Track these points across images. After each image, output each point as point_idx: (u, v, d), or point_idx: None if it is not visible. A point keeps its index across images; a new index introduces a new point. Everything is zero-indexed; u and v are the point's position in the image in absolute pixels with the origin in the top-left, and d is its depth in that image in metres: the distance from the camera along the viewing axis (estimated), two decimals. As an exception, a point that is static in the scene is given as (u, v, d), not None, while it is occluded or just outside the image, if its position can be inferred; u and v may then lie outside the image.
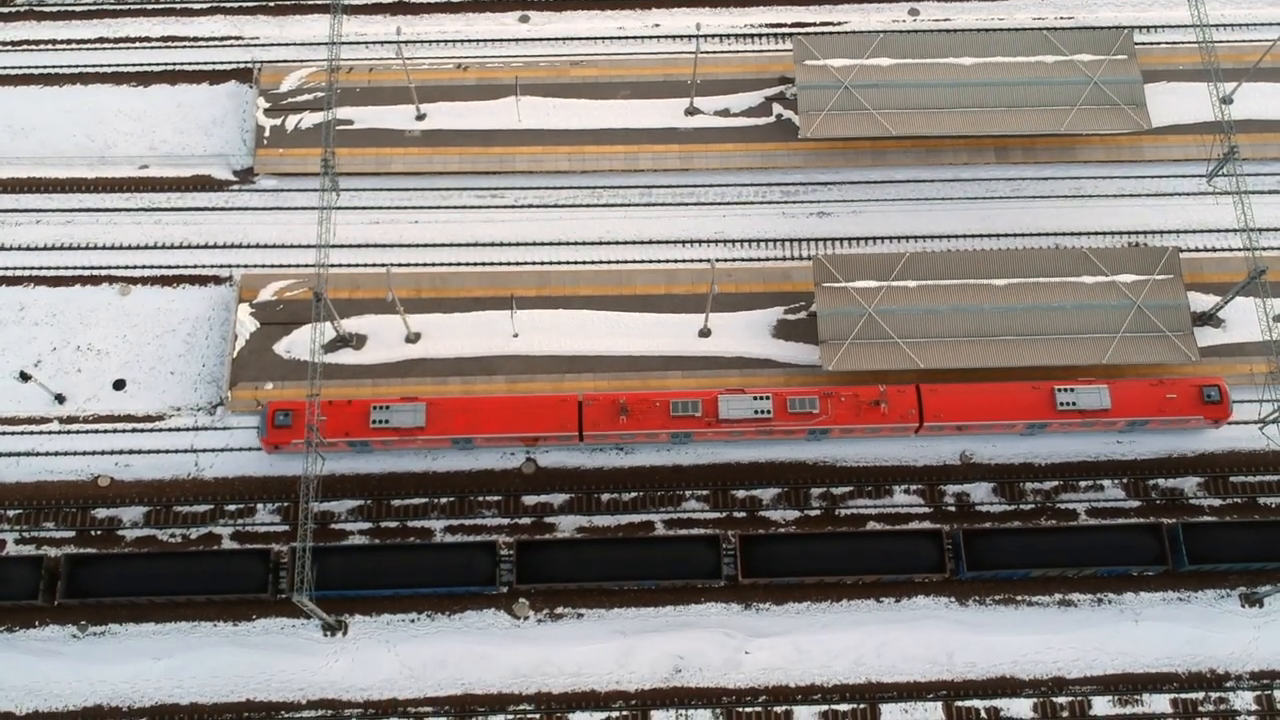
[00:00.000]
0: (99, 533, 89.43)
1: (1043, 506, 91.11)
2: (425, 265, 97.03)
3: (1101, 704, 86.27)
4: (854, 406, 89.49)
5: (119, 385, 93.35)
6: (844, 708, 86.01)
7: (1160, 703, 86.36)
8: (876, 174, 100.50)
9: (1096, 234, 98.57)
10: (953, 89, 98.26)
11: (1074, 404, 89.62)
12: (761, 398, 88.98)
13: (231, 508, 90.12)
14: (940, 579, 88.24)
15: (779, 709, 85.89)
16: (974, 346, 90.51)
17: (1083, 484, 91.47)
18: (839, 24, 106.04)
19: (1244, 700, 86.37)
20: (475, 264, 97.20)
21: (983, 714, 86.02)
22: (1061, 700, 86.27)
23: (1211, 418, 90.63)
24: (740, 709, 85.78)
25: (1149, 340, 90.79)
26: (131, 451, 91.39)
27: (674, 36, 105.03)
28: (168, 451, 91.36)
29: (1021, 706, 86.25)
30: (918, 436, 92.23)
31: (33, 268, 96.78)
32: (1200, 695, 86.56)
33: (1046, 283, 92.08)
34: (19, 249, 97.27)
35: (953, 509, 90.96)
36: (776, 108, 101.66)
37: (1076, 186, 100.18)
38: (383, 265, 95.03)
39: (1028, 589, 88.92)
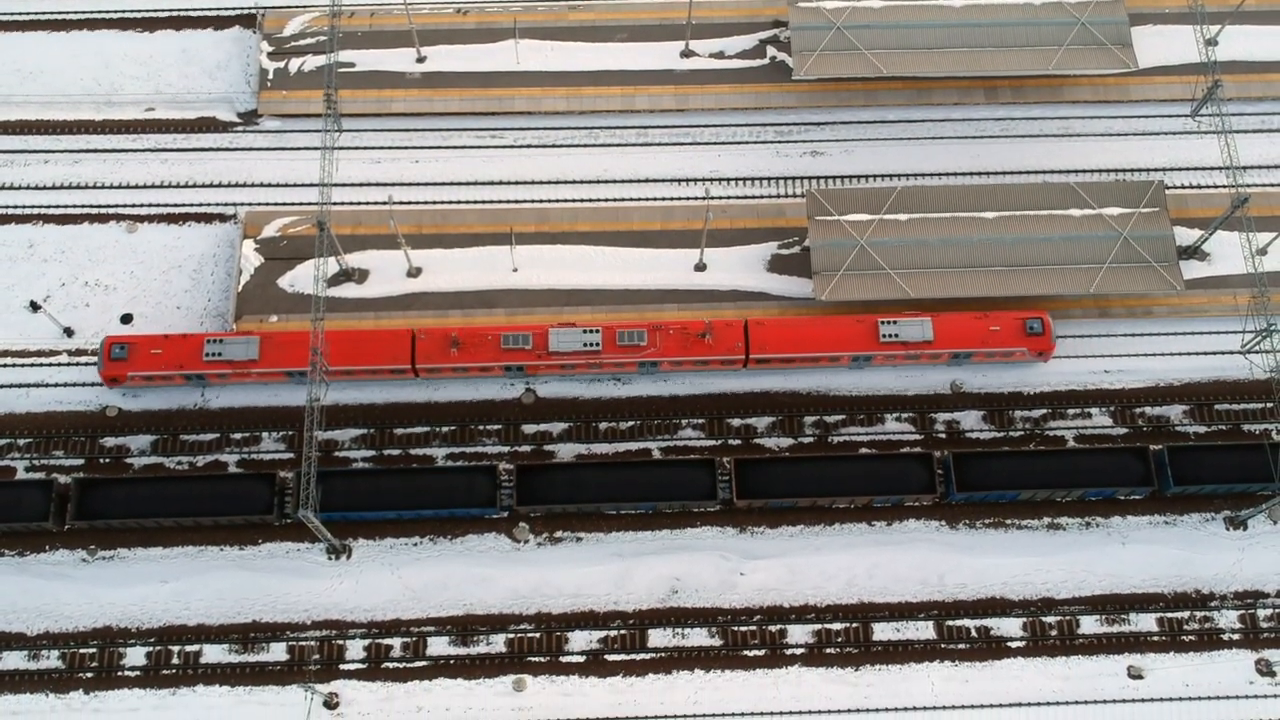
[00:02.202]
0: (107, 461, 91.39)
1: (1031, 434, 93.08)
2: (426, 203, 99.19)
3: (1089, 623, 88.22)
4: (682, 339, 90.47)
5: (126, 319, 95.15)
6: (837, 626, 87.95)
7: (1147, 622, 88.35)
8: (868, 114, 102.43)
9: (1084, 171, 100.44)
10: (943, 29, 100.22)
11: (897, 336, 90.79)
12: (590, 330, 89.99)
13: (237, 436, 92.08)
14: (931, 501, 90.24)
15: (773, 628, 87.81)
16: (963, 276, 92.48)
17: (1070, 412, 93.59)
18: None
19: (1228, 619, 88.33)
20: (475, 202, 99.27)
21: (973, 633, 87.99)
22: (1050, 620, 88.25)
23: (1035, 350, 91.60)
24: (735, 628, 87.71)
25: (1135, 270, 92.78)
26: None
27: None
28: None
29: (1011, 626, 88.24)
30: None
31: (41, 206, 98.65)
32: (1185, 615, 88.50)
33: (1035, 215, 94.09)
34: (28, 188, 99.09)
35: (943, 436, 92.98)
36: (770, 50, 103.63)
37: (1064, 126, 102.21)
38: (385, 201, 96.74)
39: (1017, 513, 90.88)
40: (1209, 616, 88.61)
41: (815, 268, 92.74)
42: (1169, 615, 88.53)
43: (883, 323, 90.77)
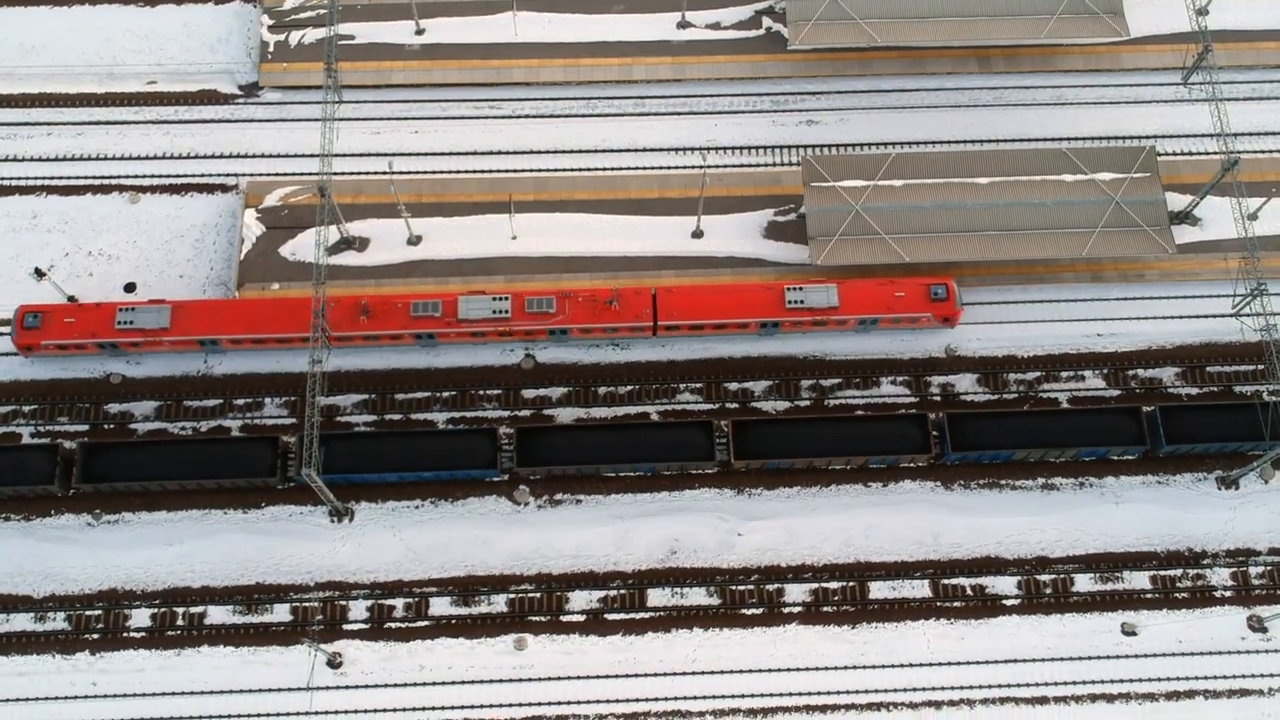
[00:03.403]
0: (111, 426, 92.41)
1: (1025, 396, 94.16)
2: (426, 173, 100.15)
3: (1084, 581, 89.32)
4: (590, 307, 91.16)
5: (129, 288, 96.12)
6: (834, 585, 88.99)
7: (1140, 580, 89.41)
8: (863, 83, 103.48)
9: (1076, 139, 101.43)
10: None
11: (802, 302, 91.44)
12: (500, 298, 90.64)
13: (240, 402, 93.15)
14: (926, 462, 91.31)
15: (771, 587, 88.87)
16: (957, 240, 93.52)
17: (1064, 374, 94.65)
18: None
19: (1220, 577, 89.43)
20: (475, 171, 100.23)
21: (968, 591, 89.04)
22: (1045, 578, 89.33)
23: (941, 315, 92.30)
24: (734, 587, 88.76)
25: (1127, 234, 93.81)
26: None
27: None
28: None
29: (1006, 584, 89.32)
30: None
31: (45, 177, 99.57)
32: (1178, 572, 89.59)
33: (1028, 180, 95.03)
34: (31, 160, 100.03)
35: (938, 399, 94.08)
36: (766, 20, 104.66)
37: (1057, 94, 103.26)
38: (385, 170, 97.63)
39: (1011, 473, 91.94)
40: (1201, 574, 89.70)
41: (811, 233, 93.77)
42: (1162, 573, 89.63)
43: (789, 289, 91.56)
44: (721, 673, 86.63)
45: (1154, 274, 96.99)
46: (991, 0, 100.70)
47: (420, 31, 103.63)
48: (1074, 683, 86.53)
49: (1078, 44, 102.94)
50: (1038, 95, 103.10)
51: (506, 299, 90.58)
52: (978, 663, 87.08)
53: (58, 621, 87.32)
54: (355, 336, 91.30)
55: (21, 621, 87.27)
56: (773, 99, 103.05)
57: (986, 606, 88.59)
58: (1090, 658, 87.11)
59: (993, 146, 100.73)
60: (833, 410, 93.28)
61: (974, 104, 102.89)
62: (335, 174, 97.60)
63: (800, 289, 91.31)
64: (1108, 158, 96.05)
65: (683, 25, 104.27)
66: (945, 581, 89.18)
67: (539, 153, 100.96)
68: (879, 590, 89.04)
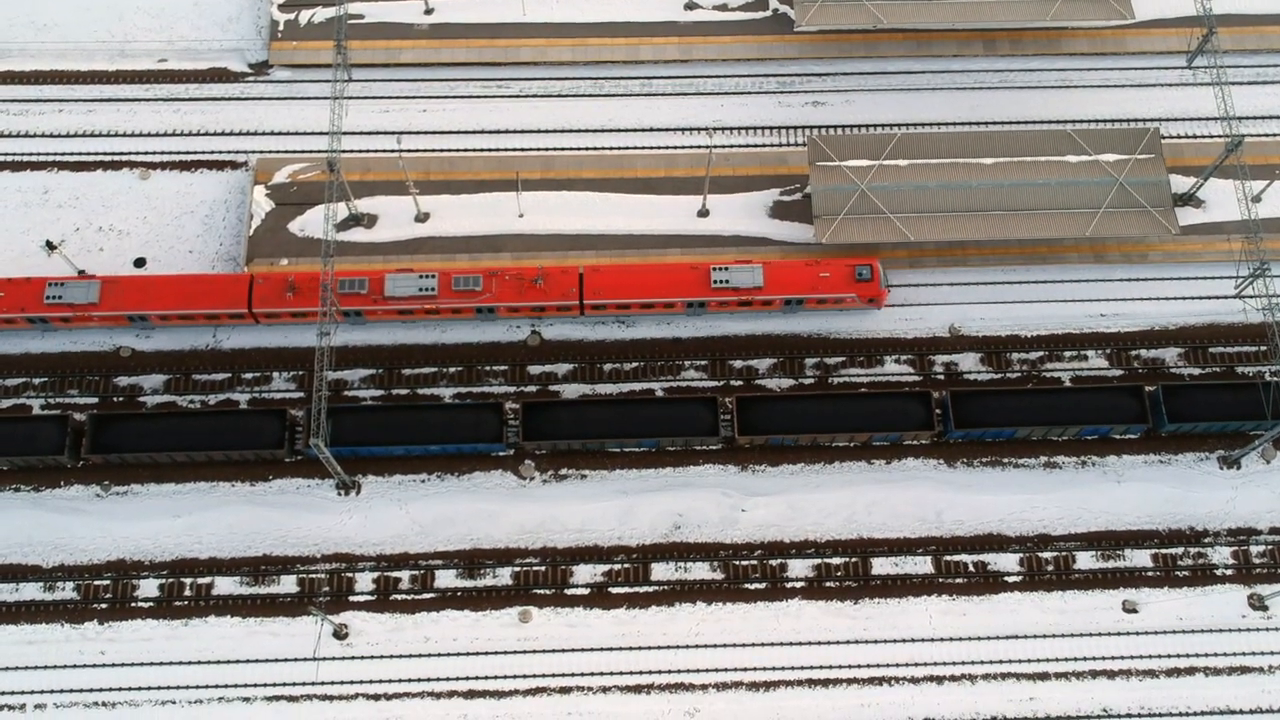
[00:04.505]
0: (120, 399, 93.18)
1: (1028, 375, 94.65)
2: (434, 151, 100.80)
3: (1085, 559, 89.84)
4: (516, 285, 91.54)
5: (139, 263, 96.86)
6: (836, 561, 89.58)
7: (1142, 558, 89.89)
8: (869, 65, 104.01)
9: (1081, 122, 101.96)
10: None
11: (728, 282, 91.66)
12: (426, 276, 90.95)
13: (249, 376, 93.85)
14: (929, 439, 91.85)
15: (774, 562, 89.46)
16: (962, 220, 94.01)
17: (1067, 354, 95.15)
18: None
19: (1221, 555, 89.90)
20: (482, 149, 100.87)
21: (970, 567, 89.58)
22: (1047, 555, 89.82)
23: (866, 296, 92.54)
24: (737, 562, 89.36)
25: (1131, 215, 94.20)
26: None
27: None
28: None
29: (1008, 561, 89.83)
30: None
31: (56, 153, 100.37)
32: (1180, 550, 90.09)
33: (1032, 161, 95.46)
34: (43, 135, 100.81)
35: (941, 377, 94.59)
36: (772, 2, 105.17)
37: (1062, 77, 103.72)
38: (394, 148, 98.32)
39: (1014, 451, 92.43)
40: (1203, 553, 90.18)
41: (816, 212, 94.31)
42: (1163, 551, 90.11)
43: (714, 269, 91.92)
44: (724, 646, 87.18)
45: (1157, 255, 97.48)
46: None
47: (429, 11, 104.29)
48: (1075, 659, 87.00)
49: (1083, 27, 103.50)
50: (1043, 78, 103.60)
51: (433, 277, 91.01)
52: (979, 638, 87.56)
53: (66, 591, 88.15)
54: (282, 313, 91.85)
55: (31, 591, 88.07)
56: (779, 80, 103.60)
57: (988, 583, 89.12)
58: (1091, 634, 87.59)
59: (998, 128, 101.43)
60: (836, 388, 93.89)
61: (979, 86, 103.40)
62: (344, 151, 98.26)
63: (726, 269, 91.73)
64: (1112, 139, 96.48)
65: (690, 6, 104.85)
66: (947, 558, 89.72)
67: (546, 131, 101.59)
68: (881, 566, 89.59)
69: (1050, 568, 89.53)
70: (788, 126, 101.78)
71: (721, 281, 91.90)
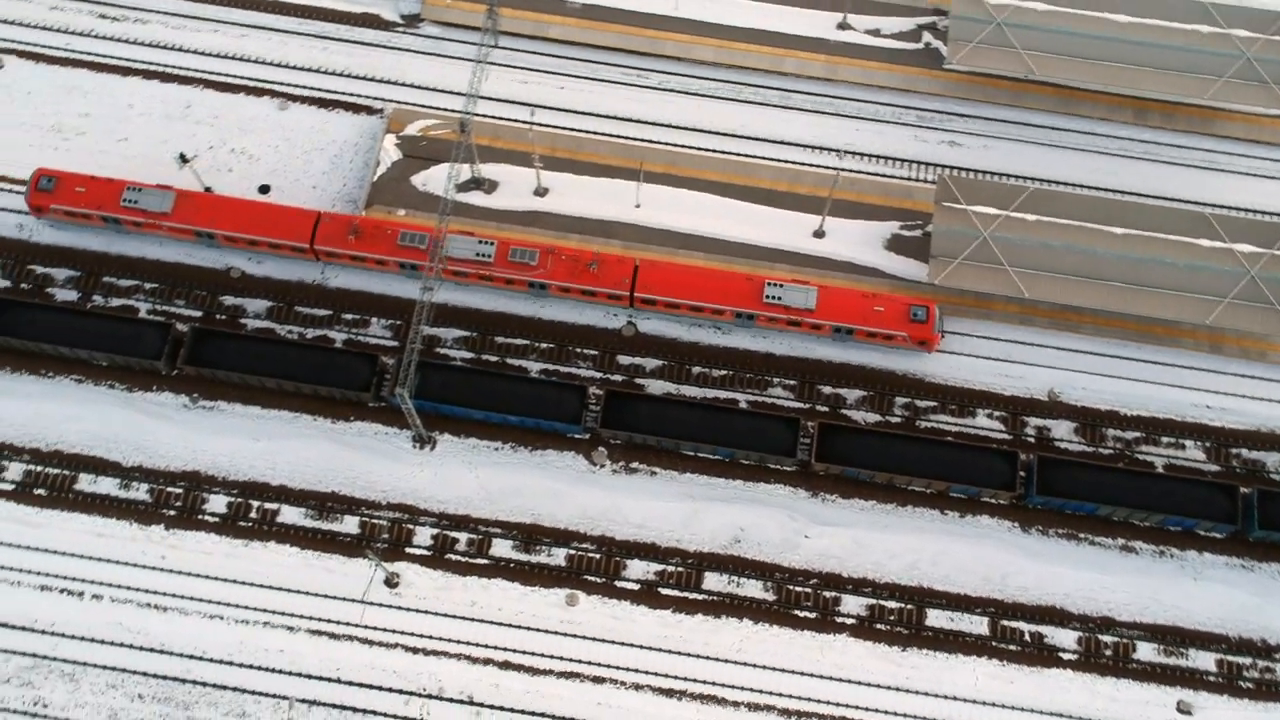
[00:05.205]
0: (223, 318, 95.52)
1: (1121, 454, 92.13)
2: (564, 129, 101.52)
3: (1146, 649, 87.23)
4: (571, 266, 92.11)
5: (264, 189, 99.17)
6: (892, 605, 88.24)
7: (1205, 660, 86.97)
8: (1012, 114, 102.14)
9: (1221, 207, 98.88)
10: (1102, 42, 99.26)
11: (780, 299, 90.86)
12: (485, 242, 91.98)
13: (348, 316, 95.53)
14: (1008, 500, 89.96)
15: (829, 594, 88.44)
16: (1081, 286, 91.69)
17: (1165, 439, 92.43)
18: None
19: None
20: (611, 135, 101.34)
21: (1026, 637, 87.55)
22: (1107, 639, 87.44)
23: (917, 338, 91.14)
24: (791, 586, 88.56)
25: (1258, 310, 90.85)
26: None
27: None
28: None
29: (1066, 637, 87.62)
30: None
31: (204, 71, 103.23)
32: (1247, 661, 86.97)
33: (1163, 239, 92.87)
34: (195, 52, 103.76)
35: (1032, 440, 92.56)
36: (926, 36, 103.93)
37: (1210, 158, 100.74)
38: (527, 118, 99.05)
39: (1092, 528, 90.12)
40: (1271, 668, 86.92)
41: (934, 252, 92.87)
42: (1229, 658, 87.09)
43: (769, 284, 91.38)
44: (764, 668, 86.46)
45: (1277, 355, 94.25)
46: (1159, 53, 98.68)
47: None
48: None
49: (1241, 111, 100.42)
50: (1190, 156, 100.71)
51: (492, 244, 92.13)
52: (1023, 709, 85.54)
53: (140, 492, 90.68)
54: (342, 254, 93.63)
55: (108, 485, 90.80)
56: (919, 114, 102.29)
57: (1042, 655, 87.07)
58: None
59: (1133, 199, 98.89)
60: (923, 431, 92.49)
61: (1123, 153, 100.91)
62: (478, 115, 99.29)
63: (780, 285, 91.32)
64: (1250, 230, 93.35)
65: (843, 26, 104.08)
66: (1005, 623, 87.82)
67: (677, 127, 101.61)
68: (936, 618, 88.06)
69: (1109, 652, 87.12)
70: (920, 162, 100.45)
71: (774, 298, 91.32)
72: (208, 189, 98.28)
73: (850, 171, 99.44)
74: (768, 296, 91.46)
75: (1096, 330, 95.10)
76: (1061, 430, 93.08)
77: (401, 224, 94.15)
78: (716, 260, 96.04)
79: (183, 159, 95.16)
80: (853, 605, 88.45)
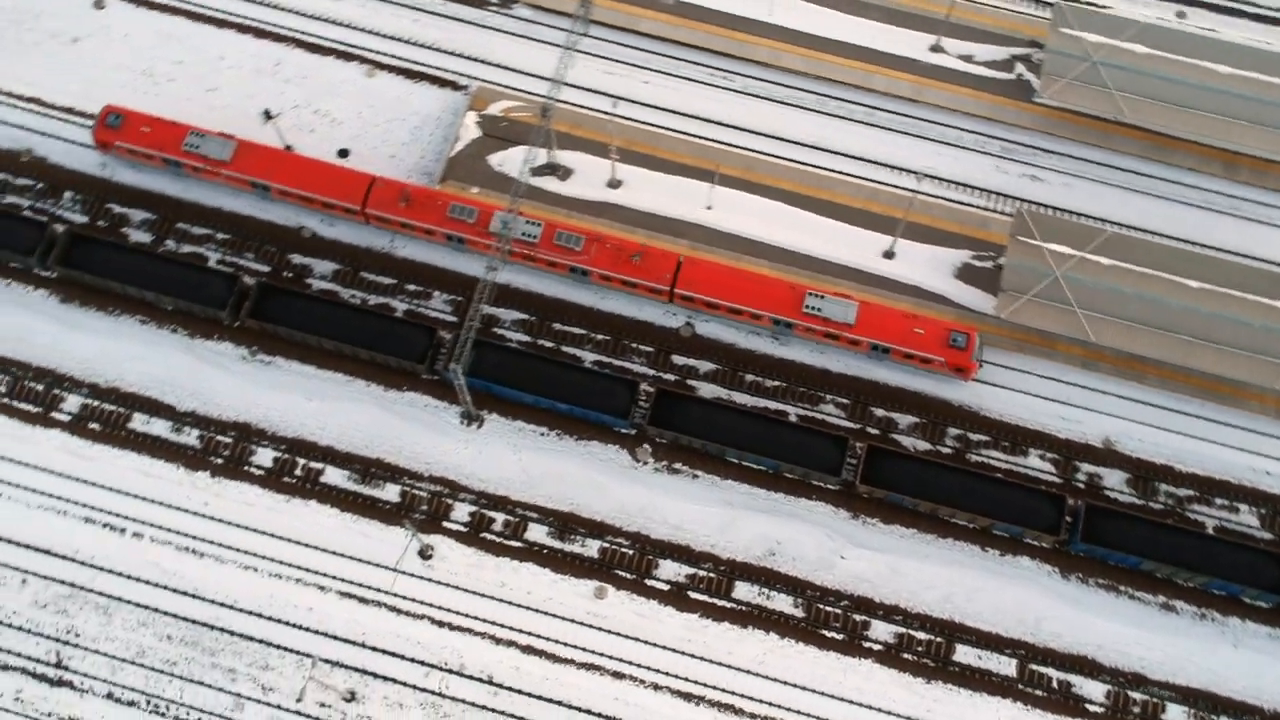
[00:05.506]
0: (290, 275, 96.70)
1: (1172, 510, 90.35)
2: (644, 123, 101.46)
3: (1176, 712, 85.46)
4: (614, 255, 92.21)
5: (343, 153, 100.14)
6: (921, 635, 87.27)
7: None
8: (1098, 154, 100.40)
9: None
10: (1199, 91, 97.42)
11: (819, 310, 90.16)
12: (532, 223, 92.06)
13: (411, 287, 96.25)
14: (1051, 544, 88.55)
15: (859, 617, 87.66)
16: (1150, 336, 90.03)
17: (1219, 501, 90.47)
18: (1104, 7, 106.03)
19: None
20: (689, 134, 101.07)
21: (1054, 684, 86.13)
22: (1136, 696, 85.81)
23: (954, 364, 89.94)
24: (822, 605, 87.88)
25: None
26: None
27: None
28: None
29: (1094, 689, 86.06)
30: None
31: (297, 31, 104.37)
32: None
33: (1240, 297, 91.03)
34: (289, 11, 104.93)
35: (1082, 486, 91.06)
36: (1019, 67, 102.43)
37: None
38: (608, 111, 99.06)
39: (1134, 582, 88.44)
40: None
41: (1004, 285, 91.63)
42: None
43: (810, 294, 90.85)
44: (785, 683, 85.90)
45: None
46: (1256, 108, 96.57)
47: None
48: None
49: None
50: (1277, 216, 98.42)
51: (539, 225, 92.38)
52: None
53: (191, 438, 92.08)
54: (392, 220, 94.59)
55: (160, 427, 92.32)
56: (1003, 144, 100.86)
57: (1068, 705, 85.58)
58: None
59: (1214, 253, 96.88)
60: (972, 465, 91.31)
61: (1208, 206, 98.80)
62: (560, 101, 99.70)
63: (821, 297, 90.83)
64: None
65: (935, 49, 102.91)
66: (1034, 667, 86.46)
67: (756, 133, 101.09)
68: (964, 654, 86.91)
69: (1136, 709, 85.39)
70: (999, 193, 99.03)
71: (813, 309, 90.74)
72: (288, 147, 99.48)
73: (927, 195, 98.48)
74: (807, 307, 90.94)
75: (1160, 382, 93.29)
76: (1113, 479, 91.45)
77: (452, 196, 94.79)
78: (781, 270, 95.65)
79: (267, 115, 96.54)
80: (881, 631, 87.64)
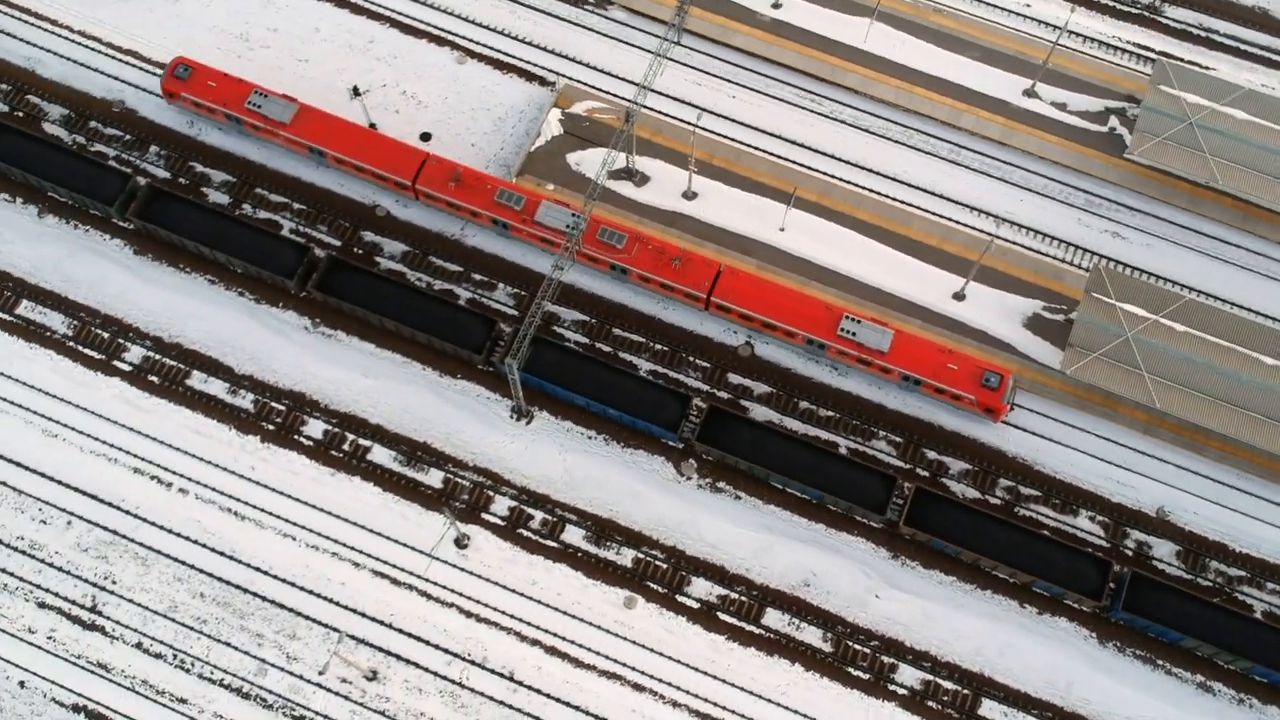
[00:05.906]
0: (360, 252, 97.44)
1: (1221, 589, 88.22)
2: (725, 137, 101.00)
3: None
4: (655, 257, 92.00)
5: (425, 137, 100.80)
6: (948, 685, 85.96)
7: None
8: (1185, 218, 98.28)
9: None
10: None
11: (854, 334, 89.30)
12: (578, 215, 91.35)
13: (477, 277, 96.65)
14: (1092, 609, 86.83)
15: (887, 659, 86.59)
16: (1217, 409, 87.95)
17: (1270, 585, 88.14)
18: (1207, 68, 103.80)
19: None
20: (769, 153, 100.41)
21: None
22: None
23: (984, 404, 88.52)
24: (851, 643, 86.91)
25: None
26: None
27: (1041, 21, 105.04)
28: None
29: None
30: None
31: (393, 11, 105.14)
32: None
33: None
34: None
35: (1130, 553, 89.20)
36: (1113, 120, 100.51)
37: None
38: (692, 122, 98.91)
39: (1172, 657, 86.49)
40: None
41: (1073, 341, 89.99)
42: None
43: (846, 317, 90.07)
44: (804, 717, 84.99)
45: None
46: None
47: (777, 5, 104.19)
48: None
49: None
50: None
51: (583, 218, 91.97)
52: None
53: (245, 401, 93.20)
54: (441, 199, 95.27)
55: (217, 388, 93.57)
56: (1087, 197, 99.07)
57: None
58: None
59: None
60: (1020, 519, 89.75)
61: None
62: (645, 107, 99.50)
63: (858, 321, 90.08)
64: None
65: (1029, 93, 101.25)
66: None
67: (838, 159, 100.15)
68: (990, 711, 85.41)
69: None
70: (1078, 246, 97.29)
71: (848, 332, 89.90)
72: (372, 125, 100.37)
73: (1004, 240, 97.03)
74: (842, 330, 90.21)
75: (1220, 456, 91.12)
76: (1163, 550, 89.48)
77: (501, 182, 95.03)
78: (850, 300, 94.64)
79: (355, 91, 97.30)
80: (909, 676, 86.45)
